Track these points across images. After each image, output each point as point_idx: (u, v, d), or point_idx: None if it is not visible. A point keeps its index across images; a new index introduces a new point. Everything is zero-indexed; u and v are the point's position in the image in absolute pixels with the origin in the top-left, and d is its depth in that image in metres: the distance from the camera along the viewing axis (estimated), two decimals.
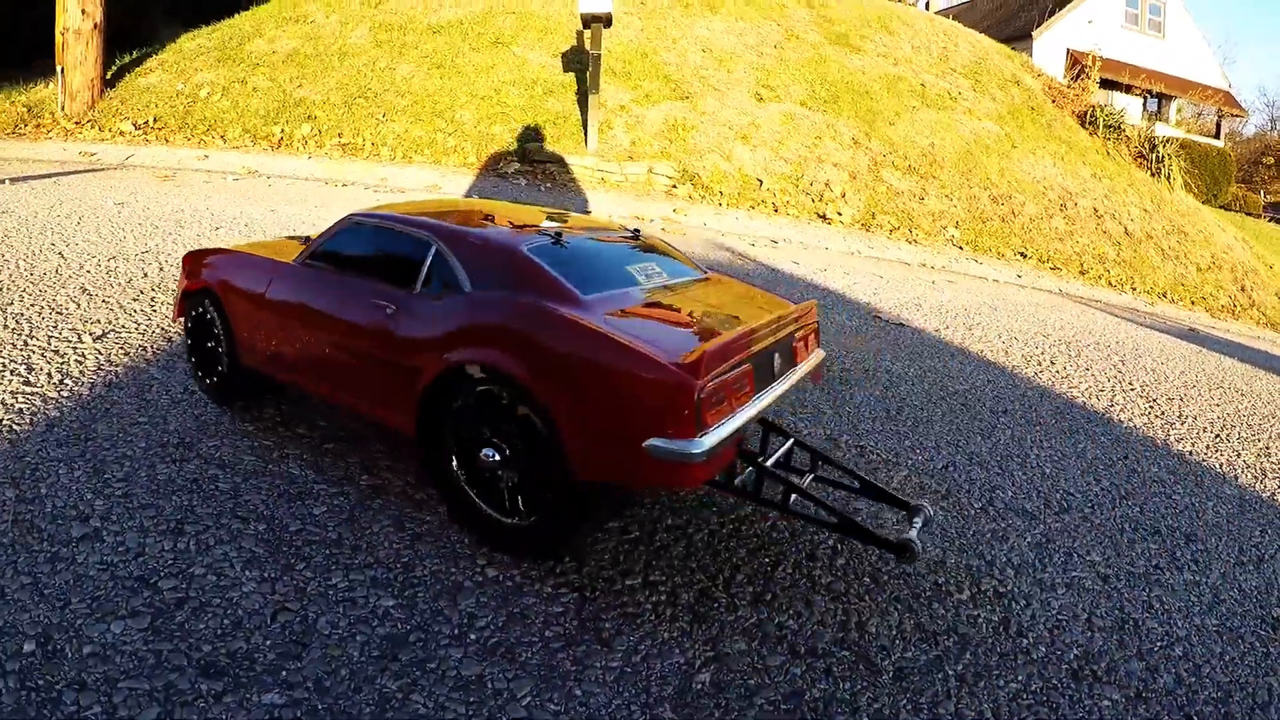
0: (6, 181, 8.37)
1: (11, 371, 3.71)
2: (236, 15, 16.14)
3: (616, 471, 2.24)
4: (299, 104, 12.70)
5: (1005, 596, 2.73)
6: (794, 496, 2.50)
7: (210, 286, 3.36)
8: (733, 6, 15.18)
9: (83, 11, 12.23)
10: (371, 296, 2.75)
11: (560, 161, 11.25)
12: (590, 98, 11.47)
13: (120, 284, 5.22)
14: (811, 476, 2.80)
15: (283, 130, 12.12)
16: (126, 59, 14.84)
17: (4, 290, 4.83)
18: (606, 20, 11.57)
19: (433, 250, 2.69)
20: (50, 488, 2.78)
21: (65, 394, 3.54)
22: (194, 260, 3.53)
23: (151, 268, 5.51)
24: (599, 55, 11.40)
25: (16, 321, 4.35)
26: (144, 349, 4.15)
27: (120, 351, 4.08)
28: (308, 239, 3.45)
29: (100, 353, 4.04)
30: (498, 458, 2.46)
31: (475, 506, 2.57)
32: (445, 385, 2.53)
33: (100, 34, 12.66)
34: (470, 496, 2.58)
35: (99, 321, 4.45)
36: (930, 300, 7.84)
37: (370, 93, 12.82)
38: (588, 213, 9.93)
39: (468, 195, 10.16)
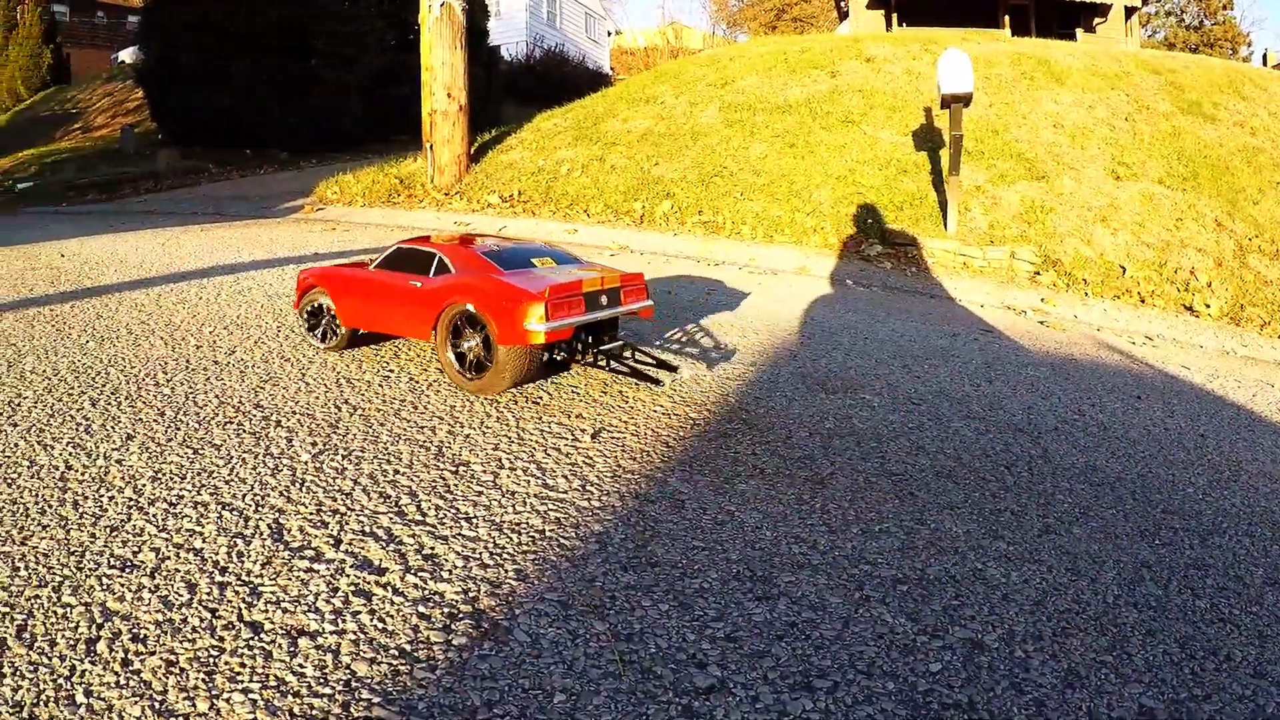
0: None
1: (524, 471, 3.80)
2: (588, 96, 18.18)
3: (515, 339, 4.68)
4: (657, 181, 13.99)
5: None
6: (610, 362, 5.25)
7: (320, 285, 5.94)
8: (1079, 77, 15.27)
9: (449, 95, 14.23)
10: (409, 279, 5.35)
11: (920, 244, 12.09)
12: (949, 179, 12.16)
13: (576, 371, 5.66)
14: (633, 352, 5.41)
15: (643, 207, 13.44)
16: (486, 137, 17.07)
17: None
18: (967, 100, 12.16)
19: (437, 258, 5.36)
20: (643, 623, 2.67)
21: (595, 504, 3.48)
22: (306, 273, 6.18)
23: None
24: (959, 136, 12.01)
25: (500, 410, 4.78)
26: (648, 454, 4.15)
27: (623, 454, 4.13)
28: (371, 259, 6.05)
29: (605, 454, 4.11)
30: (468, 345, 5.02)
31: (456, 369, 5.11)
32: (446, 315, 5.08)
33: (465, 115, 14.49)
34: (455, 366, 5.13)
35: (584, 417, 4.71)
36: None
37: (725, 171, 13.98)
38: (951, 299, 10.75)
39: (832, 276, 11.28)
